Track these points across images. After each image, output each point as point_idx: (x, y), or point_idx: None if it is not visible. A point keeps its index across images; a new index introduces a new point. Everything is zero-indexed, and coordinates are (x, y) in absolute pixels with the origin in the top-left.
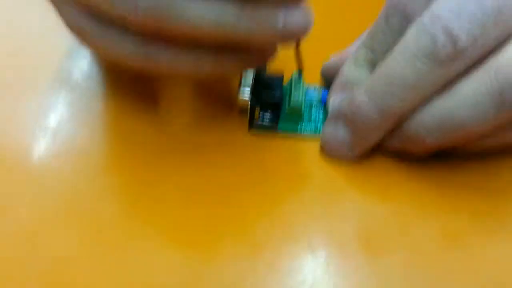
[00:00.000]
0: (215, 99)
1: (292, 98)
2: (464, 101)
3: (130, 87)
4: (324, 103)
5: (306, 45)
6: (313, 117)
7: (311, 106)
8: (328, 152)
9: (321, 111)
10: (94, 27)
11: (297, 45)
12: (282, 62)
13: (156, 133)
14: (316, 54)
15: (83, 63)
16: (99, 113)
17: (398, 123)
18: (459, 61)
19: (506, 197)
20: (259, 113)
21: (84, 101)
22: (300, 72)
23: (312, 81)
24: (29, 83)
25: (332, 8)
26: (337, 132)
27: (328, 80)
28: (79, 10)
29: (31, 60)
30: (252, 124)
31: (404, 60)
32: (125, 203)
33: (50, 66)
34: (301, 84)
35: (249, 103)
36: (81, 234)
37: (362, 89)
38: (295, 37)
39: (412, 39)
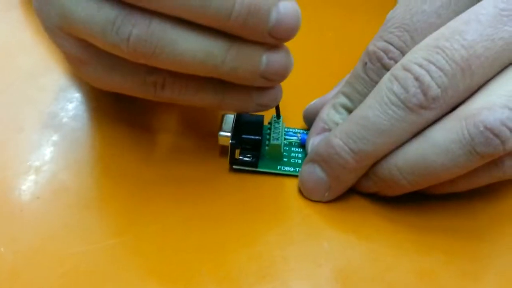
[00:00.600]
0: (198, 136)
1: (272, 137)
2: (436, 148)
3: (115, 127)
4: (303, 145)
5: (289, 90)
6: (292, 159)
7: (290, 148)
8: (306, 192)
9: (300, 154)
10: (93, 56)
11: None
12: None
13: (138, 173)
14: (298, 99)
15: (69, 106)
16: (82, 153)
17: (373, 166)
18: (430, 110)
19: (480, 238)
20: (239, 152)
21: (68, 141)
22: (278, 113)
23: (292, 125)
24: (15, 123)
25: (315, 54)
26: (314, 174)
27: (309, 123)
28: (77, 43)
29: (17, 100)
30: (232, 161)
31: (377, 106)
32: (107, 239)
33: (36, 106)
34: (281, 124)
35: (230, 141)
36: (64, 273)
37: (337, 132)
38: (276, 76)
39: (386, 87)
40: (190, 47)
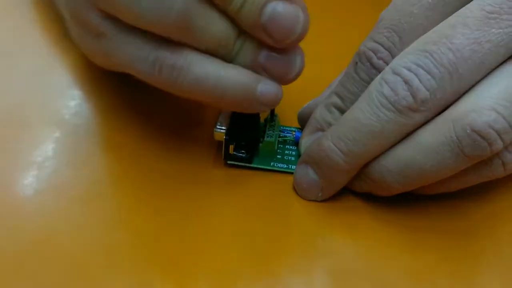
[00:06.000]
0: (197, 132)
1: (266, 134)
2: (426, 150)
3: (116, 124)
4: (297, 143)
5: (285, 88)
6: (286, 156)
7: (284, 145)
8: (300, 193)
9: (294, 151)
10: (111, 29)
11: None
12: None
13: (137, 168)
14: (294, 97)
15: (72, 103)
16: (84, 149)
17: (364, 168)
18: (419, 112)
19: (471, 238)
20: (234, 148)
21: (70, 138)
22: (272, 115)
23: (288, 123)
24: (18, 119)
25: (313, 52)
26: (307, 175)
27: (304, 125)
28: (101, 14)
29: (21, 96)
30: (227, 156)
31: (368, 109)
32: (105, 236)
33: (39, 103)
34: (276, 122)
35: (225, 136)
36: (66, 267)
37: (328, 135)
38: (277, 75)
39: (376, 90)
40: (215, 27)
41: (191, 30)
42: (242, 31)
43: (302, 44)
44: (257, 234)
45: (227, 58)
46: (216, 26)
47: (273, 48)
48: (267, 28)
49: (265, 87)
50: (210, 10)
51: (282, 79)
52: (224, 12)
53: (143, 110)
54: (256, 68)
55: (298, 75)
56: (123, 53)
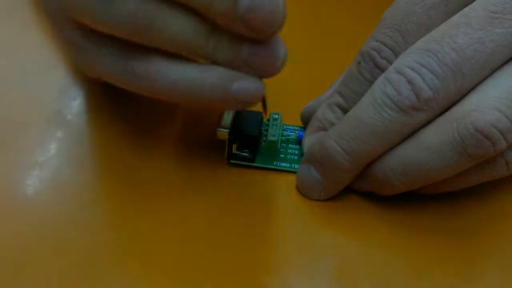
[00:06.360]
0: (199, 131)
1: (269, 133)
2: (428, 150)
3: (117, 124)
4: (300, 141)
5: (288, 87)
6: (289, 155)
7: (287, 144)
8: (303, 192)
9: (297, 150)
10: (84, 39)
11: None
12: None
13: (140, 167)
14: (297, 96)
15: (73, 103)
16: (85, 149)
17: (367, 167)
18: (422, 111)
19: (473, 237)
20: (236, 147)
21: (71, 138)
22: (265, 108)
23: (291, 122)
24: (20, 119)
25: (315, 50)
26: (310, 174)
27: (307, 124)
28: (73, 26)
29: (23, 97)
30: (230, 156)
31: (371, 108)
32: (105, 236)
33: (41, 103)
34: (279, 121)
35: (228, 135)
36: (66, 266)
37: (331, 134)
38: (262, 68)
39: (379, 89)
40: (178, 26)
41: (150, 32)
42: (215, 27)
43: (304, 44)
44: (259, 233)
45: (205, 57)
46: (179, 25)
47: (254, 40)
48: (246, 20)
49: (242, 84)
50: (170, 9)
51: (268, 71)
52: (190, 10)
53: (145, 110)
54: (238, 63)
55: (283, 64)
56: (96, 63)
